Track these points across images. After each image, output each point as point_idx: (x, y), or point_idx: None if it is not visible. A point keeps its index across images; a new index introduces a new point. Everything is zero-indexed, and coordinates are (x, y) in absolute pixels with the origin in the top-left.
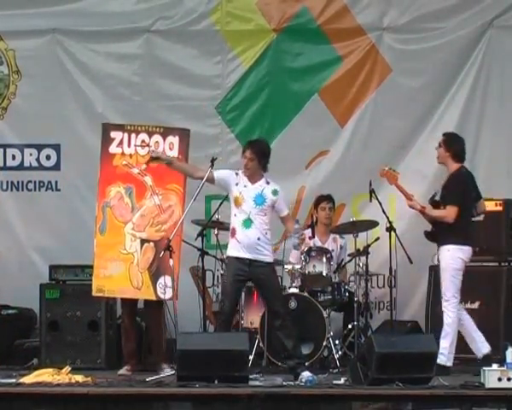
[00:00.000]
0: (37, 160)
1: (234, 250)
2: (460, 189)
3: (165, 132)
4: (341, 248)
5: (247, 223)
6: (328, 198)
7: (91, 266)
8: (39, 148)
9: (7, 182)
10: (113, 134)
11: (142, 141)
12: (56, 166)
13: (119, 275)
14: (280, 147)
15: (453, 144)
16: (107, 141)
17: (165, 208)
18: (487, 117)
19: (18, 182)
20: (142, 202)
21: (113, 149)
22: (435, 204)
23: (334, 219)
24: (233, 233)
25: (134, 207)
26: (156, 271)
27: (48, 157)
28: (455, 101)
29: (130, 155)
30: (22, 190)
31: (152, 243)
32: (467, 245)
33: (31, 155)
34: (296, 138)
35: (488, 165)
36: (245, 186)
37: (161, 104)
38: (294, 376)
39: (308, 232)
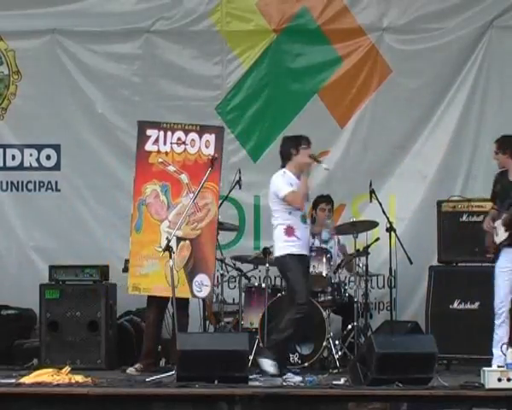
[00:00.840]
0: (37, 160)
1: (295, 248)
2: None
3: (202, 130)
4: (339, 242)
5: (304, 219)
6: (328, 199)
7: (91, 267)
8: (39, 148)
9: (7, 182)
10: (148, 132)
11: (178, 139)
12: (56, 167)
13: (155, 273)
14: (279, 148)
15: (509, 146)
16: (142, 139)
17: (202, 207)
18: (487, 118)
19: (18, 182)
20: (178, 200)
21: (148, 146)
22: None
23: (334, 219)
24: (291, 232)
25: (170, 204)
26: (192, 269)
27: (48, 157)
28: (455, 101)
29: (166, 153)
30: (22, 190)
31: (188, 242)
32: None
33: (31, 155)
34: None
35: (488, 165)
36: (296, 184)
37: (161, 104)
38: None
39: None
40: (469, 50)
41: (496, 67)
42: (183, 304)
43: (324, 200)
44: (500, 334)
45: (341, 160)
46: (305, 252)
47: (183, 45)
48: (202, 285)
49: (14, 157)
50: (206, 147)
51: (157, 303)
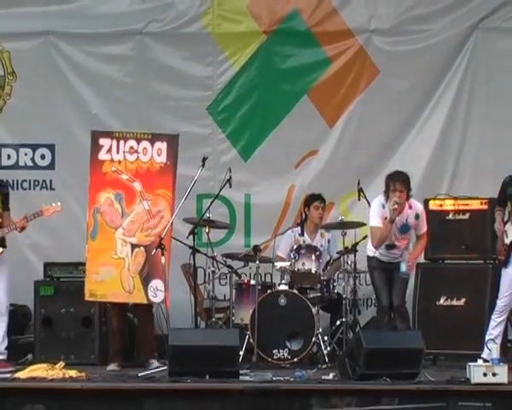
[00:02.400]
0: (32, 159)
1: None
2: None
3: (154, 138)
4: (329, 241)
5: (388, 247)
6: (321, 198)
7: (85, 264)
8: (34, 148)
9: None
10: (101, 141)
11: (131, 147)
12: (51, 166)
13: (111, 280)
14: (270, 147)
15: None
16: (96, 148)
17: (155, 213)
18: (473, 118)
19: (13, 181)
20: (131, 208)
21: (102, 155)
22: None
23: (324, 217)
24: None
25: (124, 212)
26: (147, 275)
27: (42, 157)
28: (441, 102)
29: (119, 162)
30: (17, 188)
31: (142, 248)
32: None
33: (26, 154)
34: (286, 138)
35: (474, 165)
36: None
37: (154, 105)
38: None
39: (298, 230)
40: (456, 52)
41: (482, 69)
42: (147, 308)
43: (317, 199)
44: (495, 333)
45: (330, 159)
46: (384, 260)
47: (175, 47)
48: (157, 290)
49: (9, 156)
50: (158, 155)
51: (118, 309)
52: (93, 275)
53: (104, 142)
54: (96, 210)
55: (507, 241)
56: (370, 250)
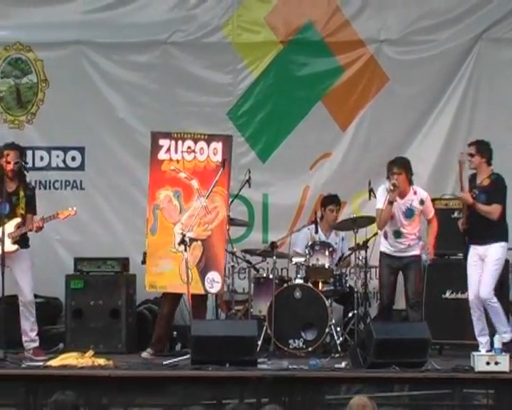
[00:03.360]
0: (64, 161)
1: (387, 249)
2: (504, 190)
3: (209, 139)
4: (343, 239)
5: (396, 234)
6: (337, 201)
7: (113, 259)
8: (65, 150)
9: (35, 181)
10: (161, 142)
11: (188, 147)
12: (81, 167)
13: (170, 272)
14: (286, 150)
15: (486, 151)
16: (155, 148)
17: (211, 209)
18: (476, 123)
19: (46, 181)
20: (189, 204)
21: (161, 155)
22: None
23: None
24: (386, 235)
25: (182, 208)
26: (204, 267)
27: (73, 159)
28: (447, 108)
29: (178, 161)
30: (49, 188)
31: (200, 242)
32: (508, 242)
33: (57, 156)
34: (301, 142)
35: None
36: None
37: (177, 110)
38: None
39: (313, 228)
40: (460, 61)
41: (485, 77)
42: (201, 298)
43: (334, 202)
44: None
45: (343, 161)
46: (394, 254)
47: (198, 56)
48: (214, 282)
49: (42, 158)
50: (214, 154)
51: (172, 298)
52: (153, 268)
53: (163, 142)
54: (155, 206)
55: None
56: (382, 244)
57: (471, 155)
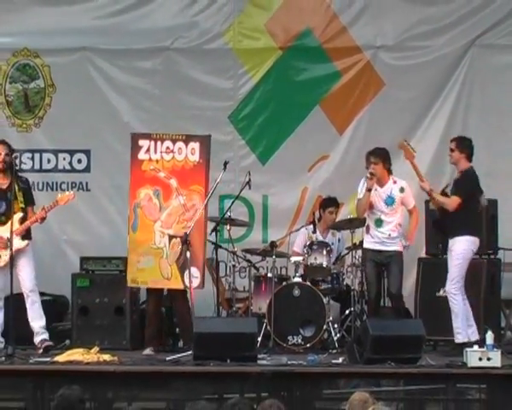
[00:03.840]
0: (70, 163)
1: (369, 244)
2: (469, 184)
3: (187, 139)
4: (339, 240)
5: (378, 223)
6: (336, 203)
7: (117, 258)
8: (71, 153)
9: (43, 183)
10: (140, 142)
11: (167, 147)
12: (87, 169)
13: (151, 268)
14: (285, 152)
15: (466, 147)
16: (135, 149)
17: (189, 207)
18: (469, 126)
19: (53, 183)
20: (168, 202)
21: (141, 155)
22: (444, 195)
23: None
24: (368, 229)
25: (162, 206)
26: (183, 263)
27: (79, 161)
28: (441, 111)
29: (157, 161)
30: (56, 189)
31: (179, 239)
32: (477, 237)
33: (64, 159)
34: (300, 144)
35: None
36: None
37: (180, 114)
38: None
39: (311, 228)
40: (454, 66)
41: (477, 81)
42: (182, 293)
43: (333, 204)
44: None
45: (340, 163)
46: (377, 247)
47: (200, 61)
48: (193, 277)
49: (49, 161)
50: (192, 154)
51: (154, 295)
52: (134, 264)
53: (143, 143)
54: (136, 205)
55: None
56: (365, 241)
57: (451, 150)
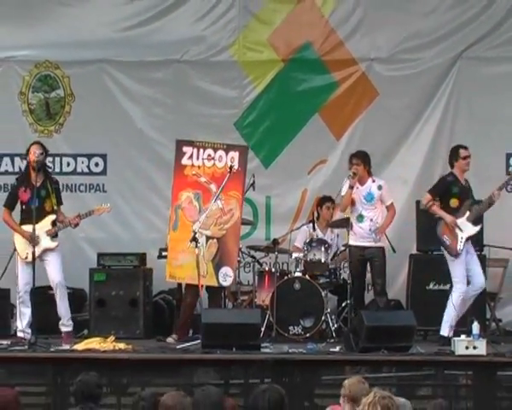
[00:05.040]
0: (88, 167)
1: (352, 240)
2: (438, 182)
3: (228, 148)
4: (337, 236)
5: (359, 219)
6: (331, 199)
7: (132, 254)
8: (89, 157)
9: (62, 185)
10: (184, 149)
11: (209, 155)
12: (103, 172)
13: (188, 265)
14: (287, 156)
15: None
16: (179, 154)
17: (227, 211)
18: (457, 133)
19: (72, 185)
20: (207, 206)
21: (184, 161)
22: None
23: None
24: (351, 226)
25: (201, 209)
26: (219, 262)
27: (96, 164)
28: (430, 119)
29: (199, 167)
30: (75, 191)
31: (215, 240)
32: None
33: (82, 162)
34: (300, 150)
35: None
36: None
37: (189, 121)
38: None
39: (310, 226)
40: (442, 77)
41: (464, 91)
42: (217, 289)
43: (329, 200)
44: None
45: (337, 166)
46: (359, 243)
47: (207, 73)
48: (227, 276)
49: (68, 164)
50: (231, 162)
51: (194, 289)
52: (173, 260)
53: (186, 149)
54: (177, 206)
55: (461, 234)
56: (350, 238)
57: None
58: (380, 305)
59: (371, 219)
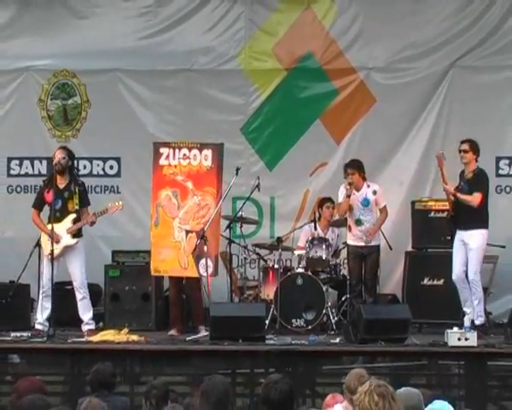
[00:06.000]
0: (103, 169)
1: (351, 241)
2: (486, 181)
3: (201, 147)
4: (338, 235)
5: (357, 223)
6: (331, 200)
7: (144, 251)
8: (104, 160)
9: None
10: (161, 150)
11: (184, 154)
12: (117, 175)
13: (171, 258)
14: (290, 159)
15: (478, 150)
16: (157, 155)
17: (203, 206)
18: (450, 137)
19: (88, 186)
20: (185, 202)
21: (162, 161)
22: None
23: (333, 215)
24: (349, 228)
25: (179, 205)
26: (198, 255)
27: (111, 167)
28: (425, 124)
29: (175, 166)
30: (91, 192)
31: (194, 233)
32: (488, 229)
33: (98, 165)
34: (302, 153)
35: (451, 173)
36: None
37: (198, 127)
38: None
39: (312, 225)
40: (436, 85)
41: (457, 98)
42: (196, 282)
43: (329, 200)
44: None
45: (337, 169)
46: (356, 243)
47: (215, 81)
48: (207, 267)
49: (85, 167)
50: (205, 159)
51: (175, 282)
52: (156, 255)
53: (163, 150)
54: (158, 204)
55: None
56: (348, 237)
57: (465, 151)
58: (367, 301)
59: (368, 222)
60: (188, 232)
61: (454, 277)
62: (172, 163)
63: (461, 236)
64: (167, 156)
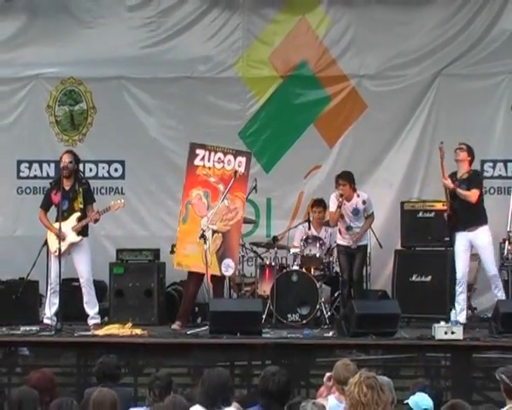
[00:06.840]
0: (108, 172)
1: (341, 241)
2: (481, 180)
3: (236, 153)
4: (331, 234)
5: (347, 228)
6: (322, 203)
7: (147, 250)
8: (109, 163)
9: None
10: (197, 151)
11: (219, 158)
12: (122, 177)
13: (195, 255)
14: (285, 162)
15: (473, 155)
16: (192, 156)
17: (232, 209)
18: (437, 141)
19: (94, 188)
20: (215, 203)
21: (196, 161)
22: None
23: (325, 216)
24: (340, 232)
25: (209, 206)
26: (222, 254)
27: (116, 170)
28: (413, 129)
29: (209, 168)
30: (97, 194)
31: (220, 234)
32: None
33: (103, 168)
34: (297, 156)
35: (438, 175)
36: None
37: (198, 131)
38: None
39: (306, 225)
40: (424, 92)
41: (444, 105)
42: (219, 279)
43: (319, 205)
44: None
45: (330, 172)
46: (346, 243)
47: (214, 87)
48: (228, 267)
49: (91, 169)
50: (239, 166)
51: (196, 278)
52: (181, 250)
53: (199, 151)
54: (188, 202)
55: None
56: (338, 239)
57: (460, 149)
58: (355, 295)
59: (358, 228)
60: (214, 232)
61: (460, 276)
62: (207, 165)
63: (466, 237)
64: (202, 158)
